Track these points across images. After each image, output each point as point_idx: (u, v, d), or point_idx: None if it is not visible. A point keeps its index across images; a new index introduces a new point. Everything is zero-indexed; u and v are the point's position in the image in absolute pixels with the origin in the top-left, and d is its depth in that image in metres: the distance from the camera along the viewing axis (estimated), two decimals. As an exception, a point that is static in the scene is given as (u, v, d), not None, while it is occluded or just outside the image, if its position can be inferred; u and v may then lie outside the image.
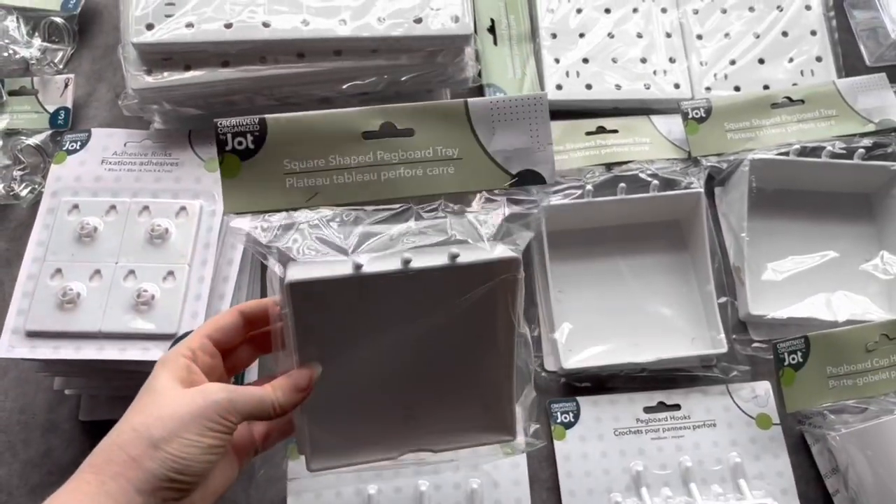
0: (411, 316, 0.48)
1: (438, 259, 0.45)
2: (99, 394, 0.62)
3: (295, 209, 0.46)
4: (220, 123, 0.45)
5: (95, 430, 0.62)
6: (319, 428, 0.49)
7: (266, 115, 0.46)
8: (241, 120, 0.45)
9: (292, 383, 0.45)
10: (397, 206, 0.47)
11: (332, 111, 0.47)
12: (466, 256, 0.45)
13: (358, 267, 0.44)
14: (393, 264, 0.45)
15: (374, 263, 0.45)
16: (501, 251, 0.46)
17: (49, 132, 0.70)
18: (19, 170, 0.69)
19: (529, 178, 0.49)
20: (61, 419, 0.62)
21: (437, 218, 0.47)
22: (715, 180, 0.71)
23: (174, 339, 0.55)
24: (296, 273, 0.44)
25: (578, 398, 0.63)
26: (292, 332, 0.45)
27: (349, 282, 0.45)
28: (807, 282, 0.67)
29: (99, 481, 0.39)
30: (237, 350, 0.49)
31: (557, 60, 0.75)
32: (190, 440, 0.40)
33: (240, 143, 0.46)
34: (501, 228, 0.47)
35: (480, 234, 0.47)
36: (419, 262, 0.45)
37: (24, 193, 0.68)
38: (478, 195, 0.49)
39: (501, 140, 0.48)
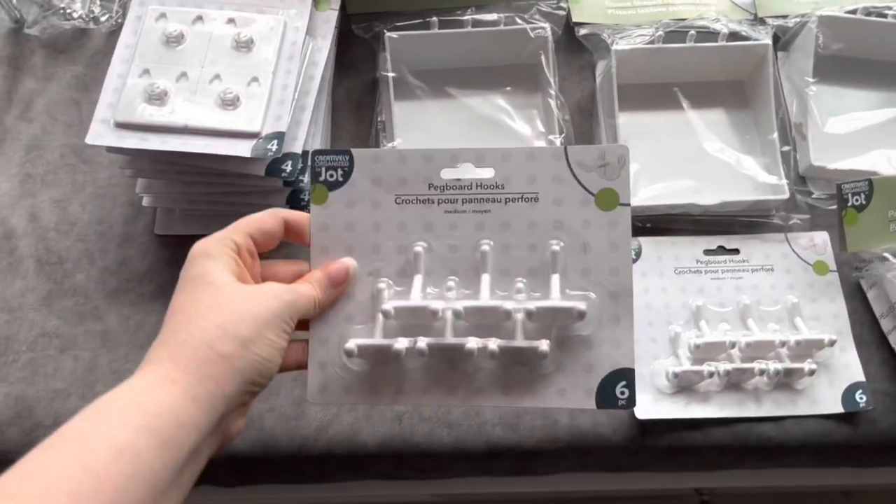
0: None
1: None
2: (175, 207, 0.63)
3: None
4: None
5: (170, 244, 0.64)
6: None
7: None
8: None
9: (327, 277, 0.42)
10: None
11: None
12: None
13: None
14: None
15: None
16: None
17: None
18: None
19: None
20: (137, 232, 0.64)
21: None
22: (779, 43, 0.72)
23: (256, 137, 0.57)
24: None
25: (640, 238, 0.64)
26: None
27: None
28: (868, 138, 0.68)
29: (186, 382, 0.36)
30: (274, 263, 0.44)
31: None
32: (272, 341, 0.39)
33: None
34: None
35: None
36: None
37: (103, 18, 0.69)
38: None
39: None
